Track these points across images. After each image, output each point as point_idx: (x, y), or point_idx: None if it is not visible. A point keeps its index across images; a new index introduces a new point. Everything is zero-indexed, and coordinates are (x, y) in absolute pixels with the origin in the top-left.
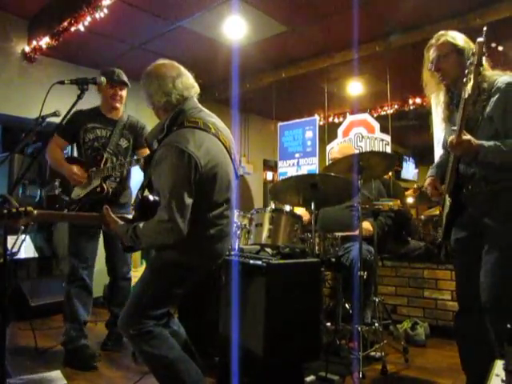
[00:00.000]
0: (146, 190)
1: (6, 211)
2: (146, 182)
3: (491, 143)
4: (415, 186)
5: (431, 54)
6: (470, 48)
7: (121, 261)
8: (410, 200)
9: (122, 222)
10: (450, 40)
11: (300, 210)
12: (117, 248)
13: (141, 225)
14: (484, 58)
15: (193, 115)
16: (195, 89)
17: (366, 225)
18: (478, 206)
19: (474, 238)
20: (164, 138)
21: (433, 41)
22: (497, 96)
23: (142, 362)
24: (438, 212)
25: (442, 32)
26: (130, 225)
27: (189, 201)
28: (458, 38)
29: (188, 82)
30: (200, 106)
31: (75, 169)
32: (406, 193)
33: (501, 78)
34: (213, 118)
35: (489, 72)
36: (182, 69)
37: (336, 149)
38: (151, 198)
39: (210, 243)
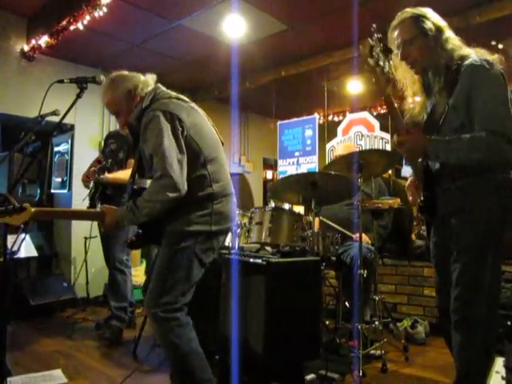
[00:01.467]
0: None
1: (3, 208)
2: (135, 169)
3: (443, 140)
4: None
5: (395, 37)
6: (438, 26)
7: (114, 250)
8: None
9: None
10: (412, 22)
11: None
12: (112, 236)
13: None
14: (450, 35)
15: (163, 94)
16: (149, 80)
17: (365, 237)
18: (447, 204)
19: (446, 241)
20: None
21: (395, 22)
22: (460, 83)
23: (160, 344)
24: None
25: (405, 10)
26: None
27: (180, 156)
28: (422, 17)
29: (144, 81)
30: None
31: (82, 176)
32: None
33: (468, 59)
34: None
35: (460, 51)
36: (132, 75)
37: (340, 146)
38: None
39: (214, 202)
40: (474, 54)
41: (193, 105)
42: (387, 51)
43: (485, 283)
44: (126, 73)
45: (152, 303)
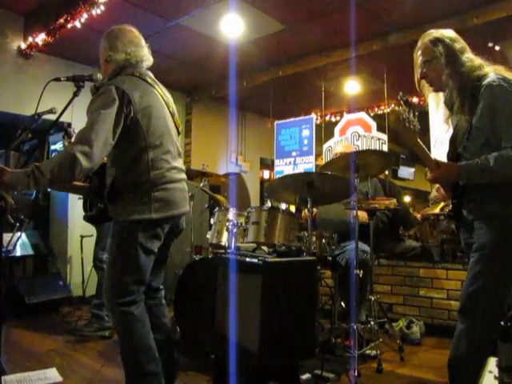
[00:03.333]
0: None
1: None
2: None
3: (472, 164)
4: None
5: (417, 57)
6: (456, 48)
7: (95, 249)
8: (407, 198)
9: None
10: (431, 44)
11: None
12: (98, 235)
13: None
14: (469, 55)
15: (126, 71)
16: (147, 62)
17: (362, 213)
18: (470, 212)
19: (471, 244)
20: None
21: (418, 43)
22: (481, 104)
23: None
24: (435, 211)
25: (428, 32)
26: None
27: (110, 136)
28: (441, 40)
29: (141, 54)
30: (148, 73)
31: None
32: None
33: (486, 79)
34: (152, 76)
35: (479, 71)
36: (121, 36)
37: (339, 146)
38: None
39: (153, 189)
40: (492, 73)
41: (153, 89)
42: (410, 107)
43: (488, 282)
44: (118, 30)
45: (108, 294)
